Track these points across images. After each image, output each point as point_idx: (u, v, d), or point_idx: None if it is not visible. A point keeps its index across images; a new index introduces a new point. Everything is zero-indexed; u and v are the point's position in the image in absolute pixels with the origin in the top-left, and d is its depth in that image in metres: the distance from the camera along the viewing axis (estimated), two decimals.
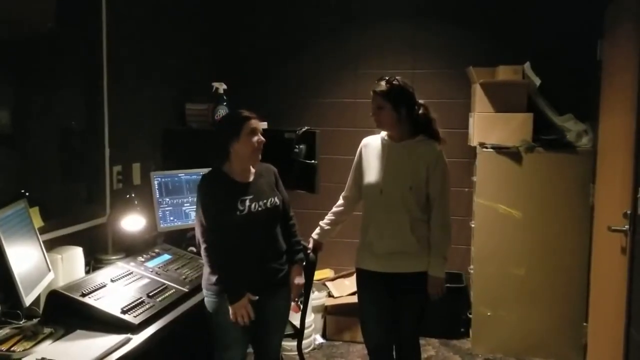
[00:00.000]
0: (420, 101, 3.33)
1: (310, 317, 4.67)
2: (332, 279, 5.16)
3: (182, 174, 3.91)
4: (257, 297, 3.00)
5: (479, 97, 4.70)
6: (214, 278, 2.96)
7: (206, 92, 4.37)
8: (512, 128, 4.62)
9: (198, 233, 3.02)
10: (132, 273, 3.15)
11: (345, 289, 4.99)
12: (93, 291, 2.81)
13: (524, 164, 4.56)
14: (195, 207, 3.09)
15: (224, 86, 4.33)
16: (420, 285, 3.26)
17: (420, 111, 3.31)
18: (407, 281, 3.27)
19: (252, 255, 3.07)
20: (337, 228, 3.62)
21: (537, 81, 4.67)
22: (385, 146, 3.34)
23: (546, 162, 4.53)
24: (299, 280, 3.27)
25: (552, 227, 4.55)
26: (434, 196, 3.27)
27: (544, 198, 4.55)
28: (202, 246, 2.97)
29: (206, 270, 3.03)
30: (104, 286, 2.90)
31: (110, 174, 3.65)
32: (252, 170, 3.15)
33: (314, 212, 4.94)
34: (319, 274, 5.02)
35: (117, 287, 2.94)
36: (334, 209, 3.62)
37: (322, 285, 5.07)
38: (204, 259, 2.99)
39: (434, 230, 3.27)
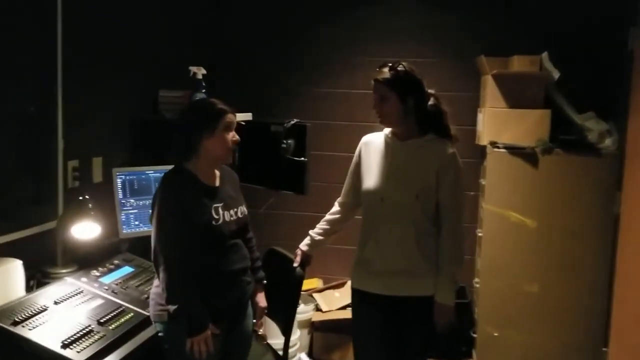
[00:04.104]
0: (430, 91, 2.84)
1: (295, 335, 4.17)
2: (321, 290, 4.65)
3: (151, 171, 3.38)
4: (219, 332, 2.56)
5: (491, 91, 4.20)
6: (173, 305, 2.42)
7: (182, 77, 3.83)
8: (528, 126, 4.12)
9: (157, 247, 2.48)
10: (82, 292, 2.62)
11: (335, 302, 4.49)
12: (29, 317, 2.30)
13: (540, 166, 4.05)
14: (152, 213, 2.56)
15: (203, 71, 3.82)
16: (427, 311, 2.76)
17: (430, 102, 2.82)
18: (411, 307, 2.78)
19: (226, 272, 2.62)
20: (330, 239, 3.13)
21: (556, 74, 4.17)
22: (388, 145, 2.84)
23: (565, 165, 4.03)
24: (263, 302, 2.94)
25: (570, 238, 4.05)
26: (444, 206, 2.78)
27: (561, 206, 4.05)
28: (163, 264, 2.44)
29: (161, 294, 2.49)
30: (44, 310, 2.39)
31: (64, 169, 3.09)
32: (217, 173, 2.68)
33: (303, 215, 4.54)
34: (305, 284, 4.51)
35: (61, 312, 2.42)
36: (328, 217, 3.11)
37: (309, 296, 4.55)
38: (162, 281, 2.45)
39: (443, 247, 2.78)
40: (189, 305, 2.45)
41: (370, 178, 2.83)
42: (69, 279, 2.71)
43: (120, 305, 2.60)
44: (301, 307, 4.29)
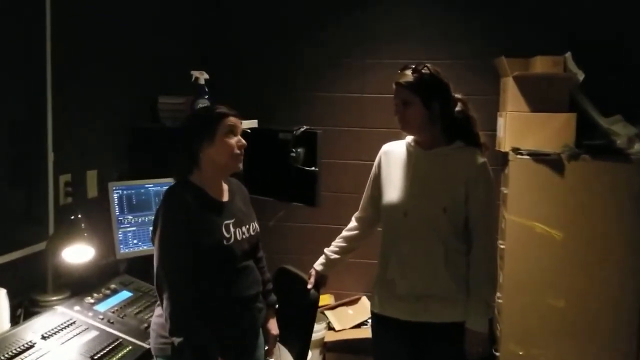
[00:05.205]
0: (457, 95, 2.58)
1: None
2: (333, 307, 4.38)
3: (150, 185, 3.11)
4: None
5: (512, 94, 3.95)
6: (177, 337, 2.14)
7: (184, 83, 3.57)
8: (552, 131, 3.87)
9: (159, 270, 2.21)
10: (74, 323, 2.36)
11: (348, 320, 4.22)
12: (13, 357, 2.05)
13: (566, 174, 3.79)
14: (154, 232, 2.28)
15: (206, 75, 3.55)
16: (458, 339, 2.49)
17: (457, 108, 2.57)
18: (440, 334, 2.51)
19: (237, 298, 2.34)
20: (347, 257, 2.86)
21: (581, 75, 3.92)
22: (411, 155, 2.59)
23: (593, 172, 3.77)
24: (275, 329, 2.67)
25: (599, 250, 3.79)
26: (474, 221, 2.51)
27: (589, 215, 3.79)
28: (167, 291, 2.16)
29: (163, 324, 2.20)
30: (31, 347, 2.13)
31: (55, 184, 2.82)
32: (225, 185, 2.43)
33: (313, 227, 4.29)
34: None
35: (50, 348, 2.16)
36: (345, 233, 2.85)
37: (321, 314, 4.28)
38: (166, 309, 2.16)
39: (475, 267, 2.51)
40: (195, 336, 2.17)
41: (392, 190, 2.57)
42: (60, 308, 2.45)
43: (117, 338, 2.34)
44: None
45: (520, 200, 3.87)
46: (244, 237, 2.37)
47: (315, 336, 4.06)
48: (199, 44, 4.48)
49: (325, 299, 4.44)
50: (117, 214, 2.99)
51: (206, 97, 3.52)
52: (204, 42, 4.53)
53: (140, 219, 3.05)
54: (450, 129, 2.55)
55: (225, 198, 2.42)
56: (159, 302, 2.26)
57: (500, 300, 4.02)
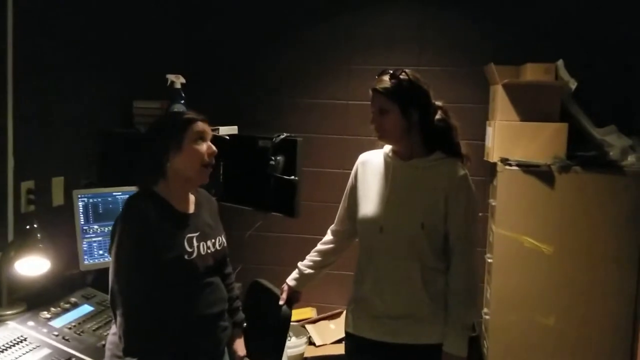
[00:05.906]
0: (437, 103, 2.45)
1: None
2: (314, 321, 4.24)
3: (118, 193, 2.97)
4: None
5: (501, 102, 3.82)
6: (132, 357, 1.99)
7: (159, 87, 3.45)
8: (542, 141, 3.74)
9: (114, 286, 2.08)
10: (25, 340, 2.21)
11: (330, 335, 4.09)
12: None
13: (557, 186, 3.66)
14: (111, 244, 2.15)
15: (182, 79, 3.45)
16: None
17: (438, 116, 2.43)
18: (417, 356, 2.37)
19: (199, 317, 2.19)
20: (322, 272, 2.72)
21: (573, 83, 3.80)
22: (389, 166, 2.46)
23: (585, 185, 3.65)
24: (242, 350, 2.54)
25: (591, 266, 3.66)
26: (454, 237, 2.37)
27: (581, 229, 3.66)
28: (122, 307, 2.03)
29: (118, 344, 2.05)
30: None
31: (16, 192, 2.68)
32: (192, 197, 2.29)
33: (291, 237, 4.22)
34: (297, 314, 4.12)
35: None
36: (320, 247, 2.71)
37: (301, 328, 4.14)
38: (120, 327, 2.03)
39: (454, 287, 2.37)
40: (151, 358, 2.03)
41: (368, 204, 2.43)
42: (12, 324, 2.30)
43: (71, 356, 2.20)
44: (292, 341, 3.89)
45: (509, 213, 3.74)
46: (208, 251, 2.24)
47: (296, 351, 3.93)
48: (176, 46, 4.34)
49: (307, 313, 4.30)
50: (82, 223, 2.85)
51: (182, 102, 3.41)
52: (182, 45, 4.40)
53: (107, 229, 2.90)
54: (430, 138, 2.41)
55: (191, 210, 2.28)
56: (114, 320, 2.12)
57: (487, 317, 3.89)
